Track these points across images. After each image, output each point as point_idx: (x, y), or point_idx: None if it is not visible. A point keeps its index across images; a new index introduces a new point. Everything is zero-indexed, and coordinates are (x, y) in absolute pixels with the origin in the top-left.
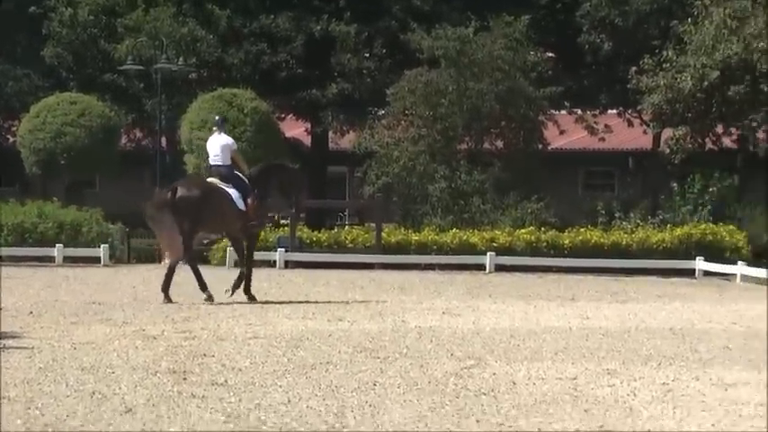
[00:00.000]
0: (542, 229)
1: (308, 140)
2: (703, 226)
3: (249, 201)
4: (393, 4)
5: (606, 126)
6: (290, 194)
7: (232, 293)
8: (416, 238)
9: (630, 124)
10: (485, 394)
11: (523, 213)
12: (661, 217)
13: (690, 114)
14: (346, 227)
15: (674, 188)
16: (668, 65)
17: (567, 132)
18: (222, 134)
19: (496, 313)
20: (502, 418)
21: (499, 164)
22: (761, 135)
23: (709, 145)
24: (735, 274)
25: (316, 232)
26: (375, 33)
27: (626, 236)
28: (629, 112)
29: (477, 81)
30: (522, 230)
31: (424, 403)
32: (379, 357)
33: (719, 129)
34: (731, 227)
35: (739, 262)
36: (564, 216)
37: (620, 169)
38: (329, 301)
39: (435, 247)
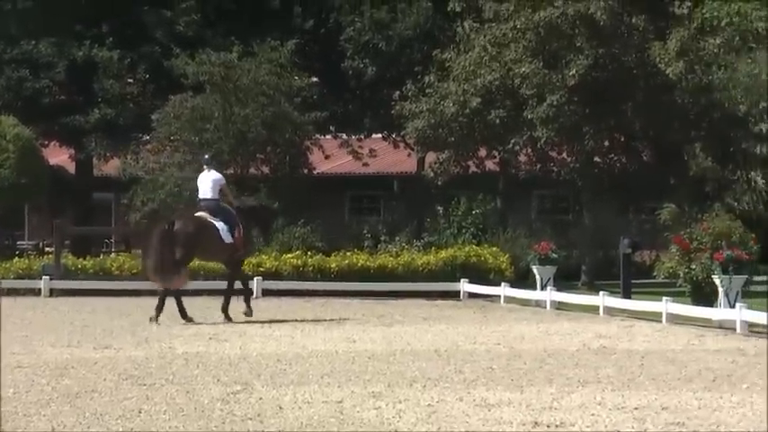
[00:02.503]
0: (309, 253)
1: (72, 167)
2: (467, 248)
3: (236, 233)
4: (156, 30)
5: (371, 151)
6: (261, 227)
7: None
8: None
9: (396, 146)
10: (251, 419)
11: (290, 238)
12: (426, 240)
13: (453, 138)
14: (112, 254)
15: (439, 211)
16: (431, 90)
17: (332, 157)
18: (212, 170)
19: (263, 338)
20: None
21: (266, 189)
22: (522, 158)
23: (472, 168)
24: (499, 296)
25: (81, 259)
26: (138, 59)
27: (391, 259)
28: (394, 135)
29: (243, 106)
30: (289, 255)
31: (191, 429)
32: (145, 384)
33: (482, 152)
34: (494, 248)
35: (503, 283)
36: (330, 240)
37: (385, 193)
38: (95, 329)
39: (202, 272)
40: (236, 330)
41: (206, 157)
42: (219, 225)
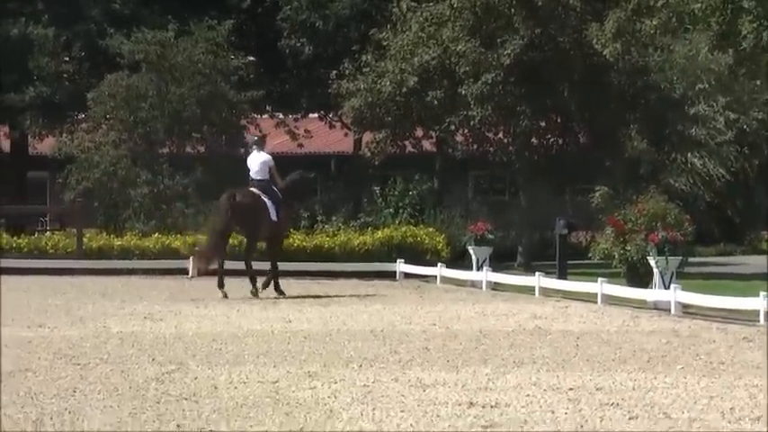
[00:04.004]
0: None
1: (7, 145)
2: (404, 228)
3: (281, 212)
4: (92, 8)
5: (306, 131)
6: (303, 198)
7: (263, 289)
8: (119, 243)
9: (332, 127)
10: (186, 399)
11: None
12: (363, 220)
13: (390, 118)
14: (47, 232)
15: (376, 191)
16: (368, 69)
17: (269, 136)
18: (261, 152)
19: (199, 317)
20: (203, 422)
21: (201, 168)
22: (459, 138)
23: (409, 148)
24: (435, 276)
25: (15, 238)
26: (74, 37)
27: (328, 239)
28: (331, 115)
29: (179, 85)
30: None
31: (125, 409)
32: (79, 364)
33: (419, 132)
34: (431, 229)
35: (439, 264)
36: None
37: (322, 173)
38: (29, 308)
39: (138, 251)
40: (171, 310)
41: (254, 138)
42: (269, 203)
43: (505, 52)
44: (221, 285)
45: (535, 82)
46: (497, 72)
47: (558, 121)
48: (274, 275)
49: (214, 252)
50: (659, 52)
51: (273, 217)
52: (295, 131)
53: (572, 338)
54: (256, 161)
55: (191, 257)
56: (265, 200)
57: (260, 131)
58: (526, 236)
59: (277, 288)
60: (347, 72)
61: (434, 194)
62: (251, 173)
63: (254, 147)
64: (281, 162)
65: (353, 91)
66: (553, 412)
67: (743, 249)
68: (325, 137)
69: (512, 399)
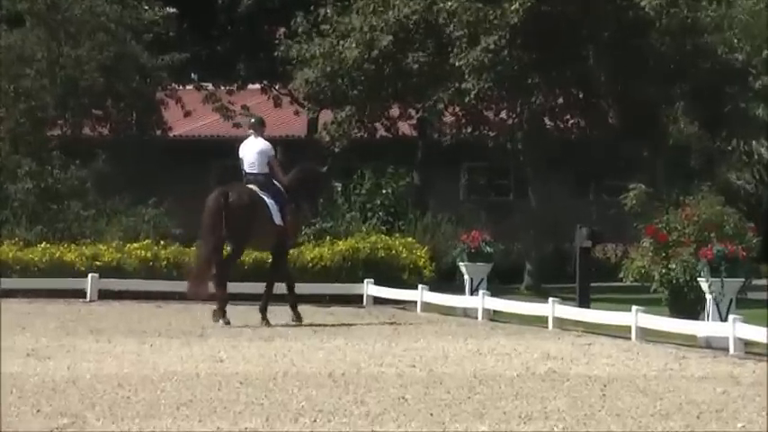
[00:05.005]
0: (162, 242)
1: None
2: (374, 238)
3: (287, 215)
4: None
5: (244, 108)
6: (312, 199)
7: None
8: None
9: (278, 104)
10: None
11: (137, 222)
12: (319, 226)
13: (356, 92)
14: None
15: (337, 188)
16: (328, 27)
17: (195, 114)
18: (259, 138)
19: (100, 355)
20: None
21: (104, 156)
22: (448, 119)
23: (381, 132)
24: (414, 302)
25: None
26: None
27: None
28: (277, 87)
29: (75, 45)
30: (135, 245)
31: None
32: None
33: (395, 111)
34: (409, 239)
35: (420, 285)
36: (191, 226)
37: None
38: None
39: (18, 267)
40: (63, 344)
41: (252, 120)
42: (269, 202)
43: (512, 7)
44: (222, 314)
45: (551, 45)
46: (501, 33)
47: (581, 96)
48: (268, 293)
49: (208, 268)
50: (715, 5)
51: (278, 220)
52: (229, 107)
53: (597, 386)
54: (252, 150)
55: (89, 277)
56: (266, 199)
57: (182, 108)
58: (536, 249)
59: (294, 310)
60: (300, 30)
61: (415, 193)
62: (244, 165)
63: (252, 131)
64: (211, 147)
65: (308, 57)
66: None
67: None
68: (269, 116)
69: None
